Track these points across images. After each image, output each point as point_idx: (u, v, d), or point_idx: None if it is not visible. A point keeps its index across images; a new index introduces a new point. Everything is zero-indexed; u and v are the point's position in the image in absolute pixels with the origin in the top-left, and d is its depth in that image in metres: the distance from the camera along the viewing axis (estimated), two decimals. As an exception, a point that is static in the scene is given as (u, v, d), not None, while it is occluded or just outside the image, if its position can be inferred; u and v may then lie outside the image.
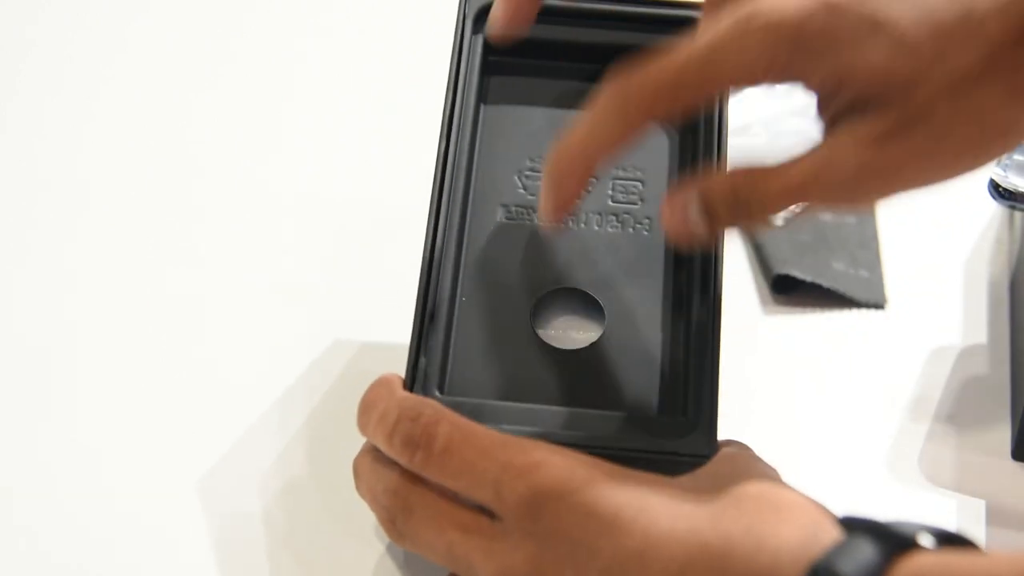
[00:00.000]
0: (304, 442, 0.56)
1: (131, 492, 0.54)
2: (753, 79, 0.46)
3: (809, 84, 0.47)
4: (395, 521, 0.47)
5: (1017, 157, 0.60)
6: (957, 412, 0.60)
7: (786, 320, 0.64)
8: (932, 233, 0.67)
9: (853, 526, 0.41)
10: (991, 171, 0.60)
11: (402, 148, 0.71)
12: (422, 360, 0.51)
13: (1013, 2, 0.44)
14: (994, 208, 0.70)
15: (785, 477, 0.50)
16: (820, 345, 0.63)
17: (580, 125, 0.48)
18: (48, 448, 0.56)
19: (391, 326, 0.54)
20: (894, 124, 0.45)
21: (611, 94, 0.47)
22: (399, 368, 0.51)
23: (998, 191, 0.60)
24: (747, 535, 0.42)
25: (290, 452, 0.56)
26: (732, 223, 0.48)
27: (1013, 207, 0.59)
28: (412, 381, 0.50)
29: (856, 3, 0.45)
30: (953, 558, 0.40)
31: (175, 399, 0.58)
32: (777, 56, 0.45)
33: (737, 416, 0.58)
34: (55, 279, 0.63)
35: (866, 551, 0.40)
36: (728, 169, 0.49)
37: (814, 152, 0.46)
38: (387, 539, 0.51)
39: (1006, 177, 0.60)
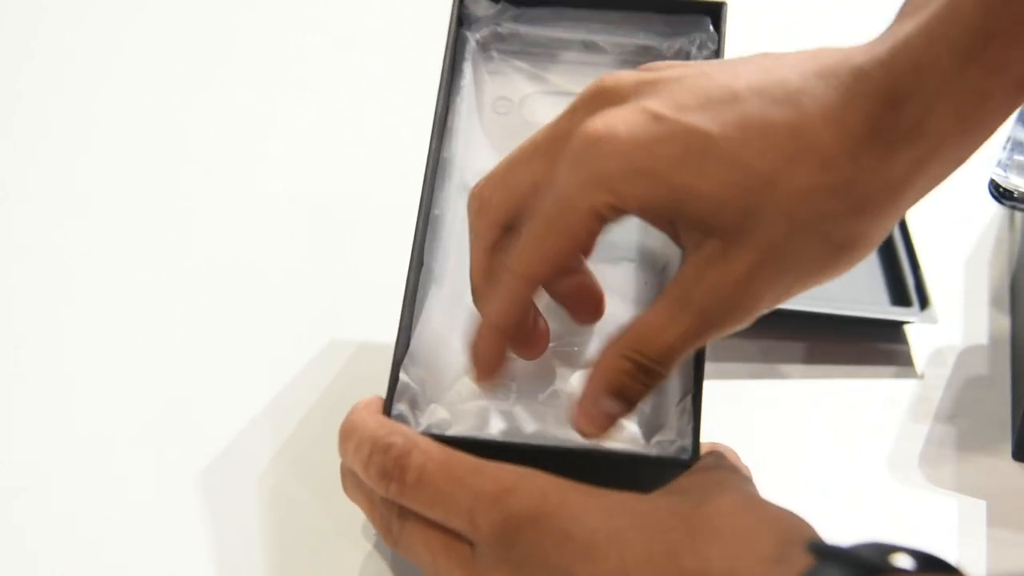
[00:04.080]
0: (297, 440, 0.56)
1: (124, 489, 0.54)
2: (601, 223, 0.45)
3: (646, 213, 0.45)
4: (391, 529, 0.47)
5: (1017, 157, 0.60)
6: (957, 413, 0.60)
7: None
8: (932, 233, 0.67)
9: (823, 553, 0.40)
10: (992, 171, 0.60)
11: (399, 145, 0.71)
12: (401, 382, 0.50)
13: (846, 108, 0.43)
14: (994, 208, 0.70)
15: (785, 479, 0.50)
16: (819, 347, 0.63)
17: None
18: (44, 447, 0.56)
19: (389, 325, 0.54)
20: (732, 245, 0.44)
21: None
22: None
23: (998, 192, 0.60)
24: (722, 556, 0.42)
25: (283, 450, 0.56)
26: (651, 389, 0.46)
27: (1013, 208, 0.59)
28: (390, 405, 0.49)
29: (675, 109, 0.44)
30: None
31: (169, 397, 0.58)
32: (620, 181, 0.44)
33: (737, 418, 0.58)
34: (52, 275, 0.63)
35: None
36: (613, 349, 0.46)
37: (671, 287, 0.45)
38: (374, 539, 0.52)
39: (1006, 178, 0.60)
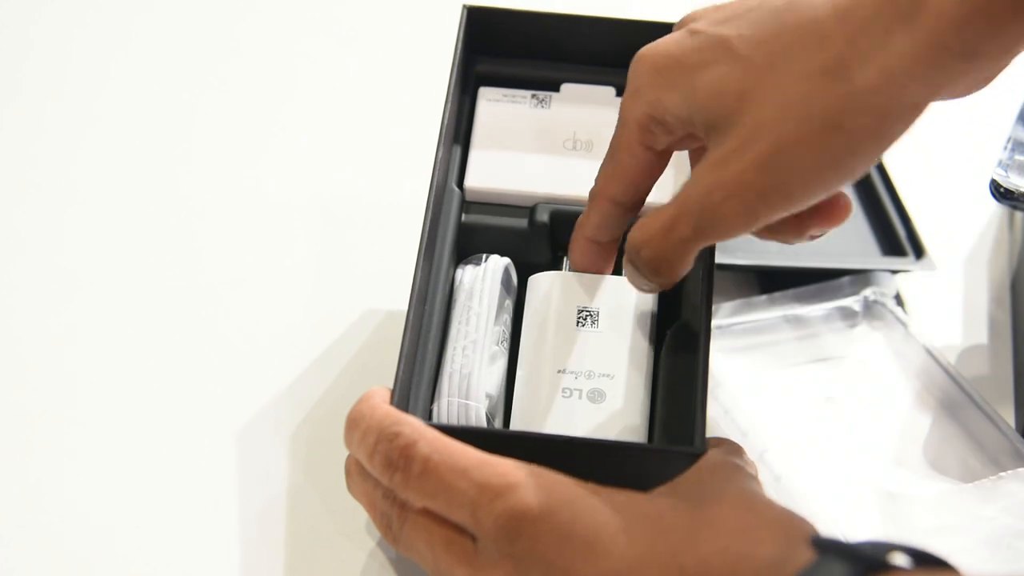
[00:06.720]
0: (301, 437, 0.56)
1: (127, 486, 0.54)
2: (648, 136, 0.48)
3: (672, 117, 0.47)
4: (391, 527, 0.47)
5: (1018, 157, 0.60)
6: (958, 412, 0.60)
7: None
8: (933, 232, 0.67)
9: (824, 548, 0.41)
10: (993, 171, 0.60)
11: (403, 142, 0.72)
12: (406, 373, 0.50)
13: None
14: (994, 208, 0.70)
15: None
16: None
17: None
18: (44, 446, 0.56)
19: (395, 319, 0.54)
20: (733, 140, 0.44)
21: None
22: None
23: (999, 191, 0.60)
24: (723, 558, 0.42)
25: (287, 447, 0.56)
26: (658, 280, 0.48)
27: (1014, 207, 0.59)
28: (398, 395, 0.49)
29: (710, 24, 0.47)
30: None
31: (172, 395, 0.58)
32: (650, 88, 0.47)
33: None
34: (56, 277, 0.63)
35: (836, 573, 0.40)
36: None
37: (680, 191, 0.46)
38: (376, 538, 0.52)
39: (1007, 177, 0.60)
